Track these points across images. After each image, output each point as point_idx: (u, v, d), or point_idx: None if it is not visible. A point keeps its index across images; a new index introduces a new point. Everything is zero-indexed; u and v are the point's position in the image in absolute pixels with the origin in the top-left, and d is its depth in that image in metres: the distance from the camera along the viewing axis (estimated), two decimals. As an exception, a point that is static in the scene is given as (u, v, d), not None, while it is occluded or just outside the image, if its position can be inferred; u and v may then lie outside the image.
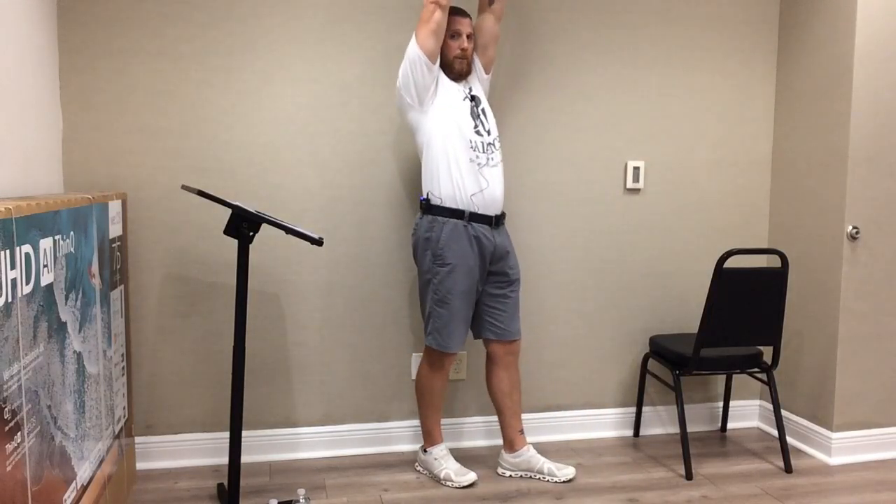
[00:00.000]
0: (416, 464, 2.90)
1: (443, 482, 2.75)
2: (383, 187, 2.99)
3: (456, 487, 2.72)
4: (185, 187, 2.40)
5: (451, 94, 2.64)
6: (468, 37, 2.65)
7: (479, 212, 2.63)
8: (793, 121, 3.24)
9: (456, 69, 2.66)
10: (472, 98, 2.69)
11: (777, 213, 3.35)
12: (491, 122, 2.71)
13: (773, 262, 3.37)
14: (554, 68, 3.11)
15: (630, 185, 3.22)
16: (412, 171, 3.00)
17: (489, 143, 2.66)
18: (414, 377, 3.07)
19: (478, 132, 2.64)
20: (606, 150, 3.19)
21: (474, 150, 2.62)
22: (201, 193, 2.31)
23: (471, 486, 2.73)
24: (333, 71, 2.90)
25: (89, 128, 2.72)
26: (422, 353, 2.82)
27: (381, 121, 2.96)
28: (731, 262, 3.28)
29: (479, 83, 2.76)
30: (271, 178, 2.89)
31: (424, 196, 2.65)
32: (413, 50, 2.54)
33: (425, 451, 2.83)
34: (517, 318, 2.78)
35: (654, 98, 3.22)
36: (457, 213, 2.60)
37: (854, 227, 2.96)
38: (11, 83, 2.20)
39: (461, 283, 2.62)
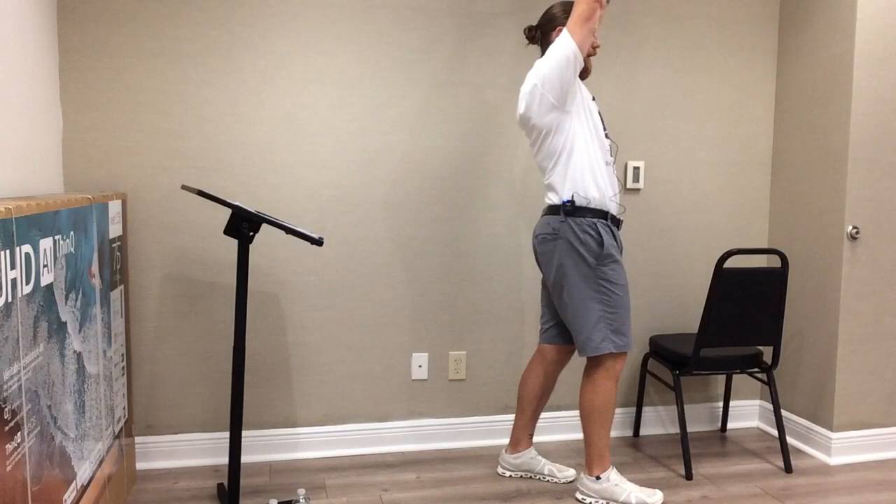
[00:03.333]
0: (582, 496, 2.62)
1: None
2: (383, 187, 2.99)
3: None
4: (185, 187, 2.40)
5: (585, 94, 2.57)
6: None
7: (615, 213, 2.57)
8: (793, 121, 3.24)
9: (589, 68, 2.61)
10: (593, 99, 2.64)
11: (777, 213, 3.35)
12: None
13: (773, 262, 3.37)
14: (554, 68, 3.11)
15: (630, 185, 3.22)
16: (412, 171, 3.00)
17: (612, 145, 2.62)
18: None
19: (606, 134, 2.60)
20: (606, 150, 3.20)
21: (607, 152, 2.58)
22: (201, 193, 2.31)
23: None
24: (333, 71, 2.91)
25: (89, 128, 2.72)
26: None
27: (381, 121, 2.96)
28: (731, 262, 3.29)
29: None
30: (271, 178, 2.89)
31: (568, 198, 2.50)
32: (571, 48, 2.40)
33: (598, 478, 2.58)
34: None
35: (654, 98, 3.22)
36: (601, 214, 2.51)
37: (854, 227, 2.96)
38: (12, 83, 2.20)
39: (625, 278, 2.54)
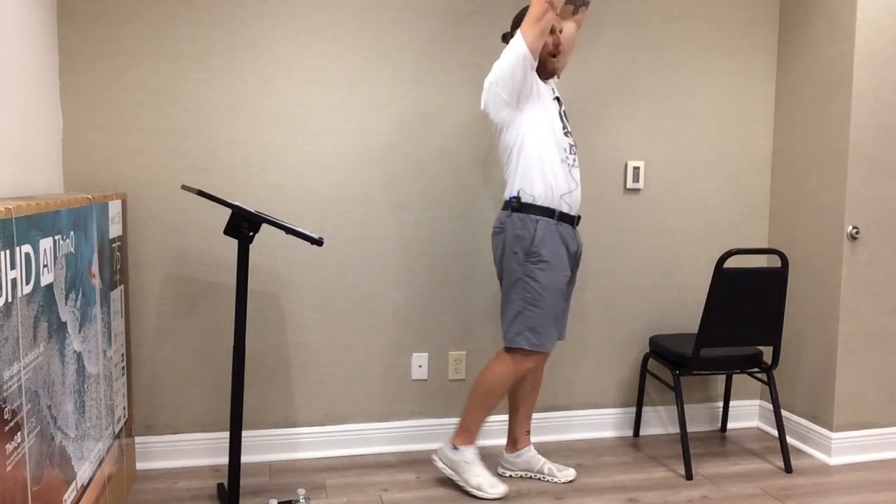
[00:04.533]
0: (437, 458, 2.72)
1: (473, 490, 2.63)
2: (383, 187, 2.99)
3: (488, 500, 2.62)
4: (185, 187, 2.40)
5: (543, 93, 2.60)
6: (560, 33, 2.64)
7: (567, 212, 2.59)
8: (793, 121, 3.24)
9: (549, 67, 2.63)
10: (557, 99, 2.67)
11: (777, 213, 3.35)
12: (570, 123, 2.69)
13: (773, 262, 3.37)
14: (554, 68, 3.11)
15: (630, 185, 3.22)
16: (412, 171, 3.00)
17: (573, 145, 2.64)
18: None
19: (566, 133, 2.62)
20: (606, 150, 3.20)
21: (565, 151, 2.59)
22: (201, 193, 2.31)
23: (502, 498, 2.64)
24: (333, 71, 2.91)
25: (89, 128, 2.72)
26: (499, 355, 2.68)
27: (381, 121, 2.96)
28: (731, 262, 3.28)
29: (556, 86, 2.74)
30: (271, 178, 2.89)
31: (514, 194, 2.57)
32: (521, 48, 2.46)
33: (456, 448, 2.67)
34: (566, 320, 2.77)
35: (654, 98, 3.22)
36: (548, 212, 2.56)
37: (854, 227, 2.96)
38: (11, 83, 2.20)
39: (556, 281, 2.56)
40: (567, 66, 3.00)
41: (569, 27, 2.76)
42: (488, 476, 2.66)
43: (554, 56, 2.62)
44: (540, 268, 2.54)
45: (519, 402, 2.80)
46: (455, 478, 2.68)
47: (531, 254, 2.55)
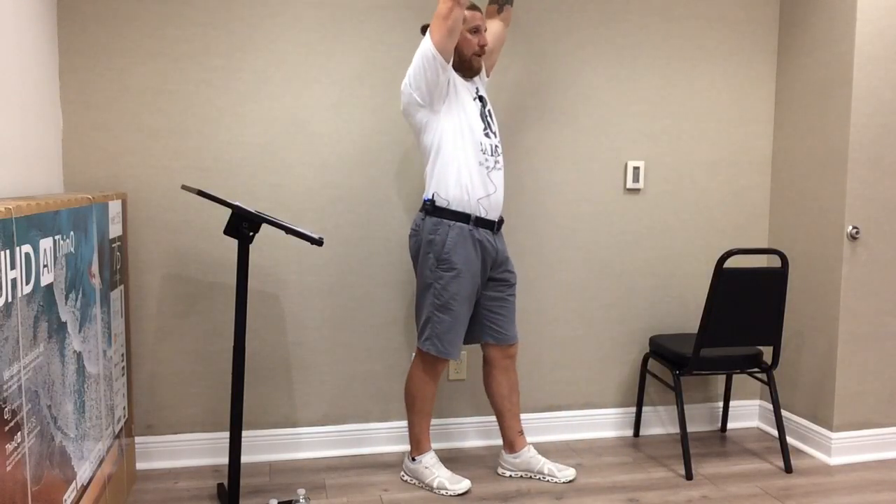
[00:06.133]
0: (402, 473, 2.79)
1: (436, 491, 2.68)
2: (383, 187, 2.99)
3: (451, 496, 2.67)
4: (185, 187, 2.40)
5: (462, 94, 2.57)
6: (485, 32, 2.62)
7: (484, 216, 2.58)
8: (793, 121, 3.24)
9: (475, 66, 2.60)
10: (480, 98, 2.64)
11: (777, 213, 3.35)
12: (496, 124, 2.67)
13: (773, 262, 3.37)
14: (554, 68, 3.11)
15: (630, 185, 3.22)
16: (412, 171, 3.00)
17: (495, 146, 2.62)
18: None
19: (486, 134, 2.59)
20: (606, 150, 3.19)
21: (484, 153, 2.57)
22: (201, 193, 2.31)
23: (465, 493, 2.68)
24: (333, 71, 2.91)
25: (89, 128, 2.72)
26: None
27: (381, 121, 2.96)
28: (731, 262, 3.28)
29: (482, 85, 2.74)
30: (271, 178, 2.89)
31: (429, 197, 2.57)
32: (428, 48, 2.44)
33: (413, 459, 2.74)
34: (514, 322, 2.76)
35: (654, 98, 3.22)
36: (462, 217, 2.55)
37: (854, 227, 2.96)
38: (11, 83, 2.20)
39: (465, 289, 2.57)
40: (496, 64, 2.86)
41: (495, 25, 2.75)
42: (448, 474, 2.70)
43: (479, 55, 2.60)
44: (451, 275, 2.55)
45: (500, 406, 2.79)
46: (421, 485, 2.73)
47: (442, 260, 2.55)
